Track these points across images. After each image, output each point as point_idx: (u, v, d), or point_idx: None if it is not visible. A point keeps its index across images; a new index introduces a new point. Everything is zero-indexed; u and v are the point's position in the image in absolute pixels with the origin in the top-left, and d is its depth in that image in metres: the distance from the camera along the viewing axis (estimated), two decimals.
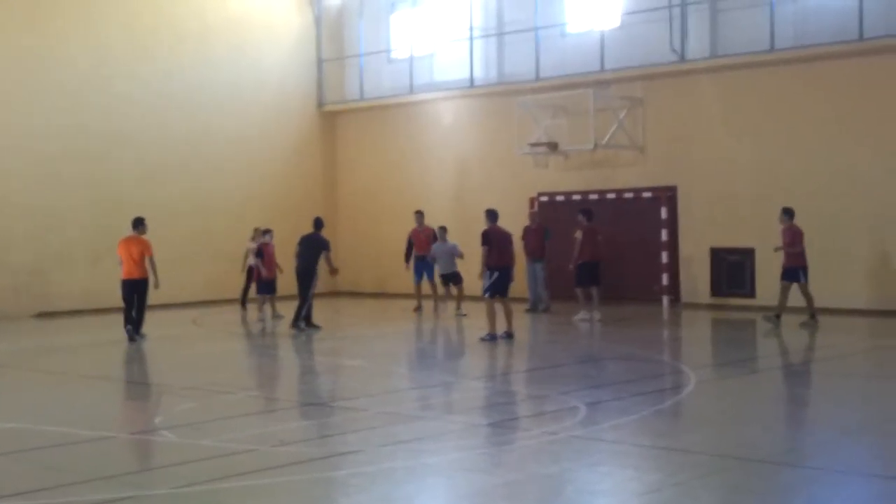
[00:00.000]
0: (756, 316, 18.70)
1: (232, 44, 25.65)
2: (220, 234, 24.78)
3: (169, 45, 24.45)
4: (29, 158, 22.16)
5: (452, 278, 20.55)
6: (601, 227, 20.10)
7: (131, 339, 16.97)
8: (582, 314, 19.24)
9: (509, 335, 16.07)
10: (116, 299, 22.51)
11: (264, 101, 26.27)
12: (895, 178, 19.21)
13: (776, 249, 18.13)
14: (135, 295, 17.20)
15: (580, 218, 19.63)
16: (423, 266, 21.18)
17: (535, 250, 20.66)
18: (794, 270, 17.78)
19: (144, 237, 17.50)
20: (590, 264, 19.31)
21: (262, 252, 20.16)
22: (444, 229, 20.71)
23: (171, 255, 24.00)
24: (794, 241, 17.67)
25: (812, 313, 17.66)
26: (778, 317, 17.62)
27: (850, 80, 19.72)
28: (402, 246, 21.86)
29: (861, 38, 19.35)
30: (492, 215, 16.58)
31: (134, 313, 17.22)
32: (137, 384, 13.52)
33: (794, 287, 17.71)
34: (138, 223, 17.66)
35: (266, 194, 25.77)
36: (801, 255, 17.76)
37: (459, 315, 20.05)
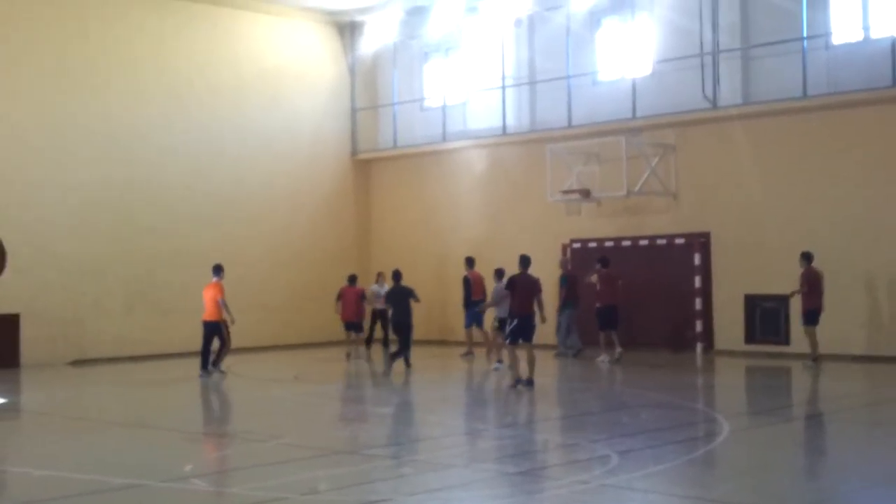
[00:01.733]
0: (792, 363, 18.52)
1: (266, 94, 25.98)
2: (255, 284, 24.94)
3: (204, 96, 24.80)
4: (65, 209, 22.48)
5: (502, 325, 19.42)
6: (619, 272, 20.72)
7: (206, 374, 18.57)
8: (603, 356, 19.95)
9: (530, 382, 16.02)
10: (150, 346, 22.91)
11: (298, 151, 26.54)
12: None
13: (791, 294, 18.81)
14: (213, 335, 18.77)
15: (597, 266, 20.56)
16: (475, 312, 21.27)
17: (563, 296, 21.42)
18: (813, 313, 18.44)
19: (218, 281, 18.88)
20: (607, 308, 20.18)
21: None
22: (501, 271, 19.44)
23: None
24: (810, 285, 18.36)
25: (814, 357, 18.29)
26: (815, 360, 18.08)
27: (882, 127, 19.62)
28: (444, 292, 22.00)
29: (894, 84, 19.27)
30: (523, 261, 16.69)
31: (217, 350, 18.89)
32: (169, 431, 13.56)
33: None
34: (216, 270, 19.16)
35: (300, 242, 25.95)
36: (817, 298, 18.45)
37: (496, 368, 19.00)
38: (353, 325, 22.02)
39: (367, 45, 27.53)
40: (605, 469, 9.87)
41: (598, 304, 20.32)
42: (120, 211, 23.21)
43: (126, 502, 9.12)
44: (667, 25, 22.49)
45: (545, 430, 13.28)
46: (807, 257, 18.54)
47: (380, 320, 22.74)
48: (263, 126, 25.88)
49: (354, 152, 27.89)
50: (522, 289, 16.31)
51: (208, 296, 18.90)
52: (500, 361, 18.98)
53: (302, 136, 26.69)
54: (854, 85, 19.78)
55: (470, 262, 21.92)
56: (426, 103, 27.30)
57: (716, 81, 21.62)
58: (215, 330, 18.82)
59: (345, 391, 17.23)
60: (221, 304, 18.66)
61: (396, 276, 20.10)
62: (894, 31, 19.54)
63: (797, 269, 19.29)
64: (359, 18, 27.28)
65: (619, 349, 19.95)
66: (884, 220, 19.50)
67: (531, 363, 16.21)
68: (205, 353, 18.90)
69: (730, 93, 21.53)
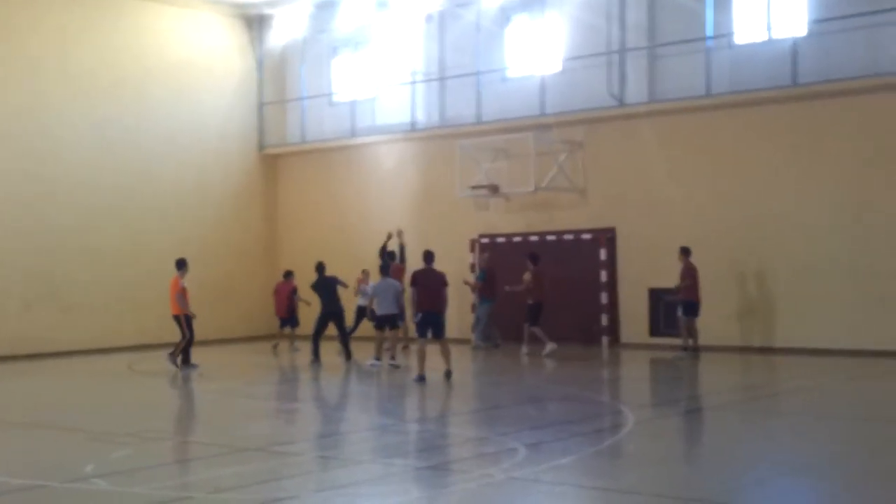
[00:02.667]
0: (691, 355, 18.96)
1: (172, 87, 25.51)
2: (160, 278, 24.44)
3: (107, 88, 24.22)
4: None
5: (390, 321, 18.70)
6: (546, 270, 20.94)
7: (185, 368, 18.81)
8: (525, 349, 20.40)
9: (448, 374, 16.29)
10: (50, 345, 22.32)
11: (205, 145, 26.13)
12: (828, 220, 19.59)
13: (678, 288, 19.49)
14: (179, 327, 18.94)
15: (528, 263, 20.71)
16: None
17: (480, 290, 21.95)
18: (694, 305, 19.27)
19: (178, 276, 18.93)
20: (538, 304, 20.49)
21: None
22: (386, 267, 19.39)
23: (107, 300, 23.76)
24: (692, 278, 19.23)
25: (695, 347, 19.22)
26: (686, 349, 19.22)
27: (784, 124, 20.14)
28: (354, 287, 21.77)
29: (795, 83, 19.80)
30: (427, 257, 16.91)
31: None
32: (70, 430, 13.22)
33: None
34: (178, 264, 19.16)
35: (207, 236, 25.56)
36: (694, 290, 19.24)
37: (392, 366, 18.36)
38: (285, 321, 22.62)
39: (276, 38, 27.24)
40: (513, 462, 9.91)
41: (529, 301, 20.53)
42: (20, 205, 22.56)
43: (26, 503, 8.86)
44: (575, 23, 22.72)
45: (454, 424, 13.29)
46: (685, 251, 19.38)
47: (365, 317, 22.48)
48: (169, 119, 25.41)
49: (262, 147, 27.59)
50: (425, 284, 16.46)
51: (170, 290, 19.17)
52: (377, 359, 18.52)
53: (209, 129, 26.28)
54: (756, 84, 20.25)
55: (392, 255, 21.87)
56: (335, 98, 27.13)
57: (623, 79, 21.93)
58: (177, 323, 19.00)
59: (252, 388, 17.02)
60: (177, 299, 18.80)
61: (319, 267, 20.20)
62: (795, 32, 20.07)
63: (700, 264, 19.74)
64: (267, 12, 26.98)
65: (552, 344, 20.19)
66: (786, 215, 20.02)
67: (446, 356, 16.33)
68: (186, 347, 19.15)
69: (636, 91, 21.86)
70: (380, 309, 18.36)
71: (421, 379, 16.07)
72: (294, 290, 22.58)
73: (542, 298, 20.57)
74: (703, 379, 17.30)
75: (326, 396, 16.72)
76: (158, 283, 24.33)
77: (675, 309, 20.09)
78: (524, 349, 20.43)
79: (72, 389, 17.51)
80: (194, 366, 19.11)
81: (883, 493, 8.73)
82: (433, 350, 16.68)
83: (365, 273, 22.24)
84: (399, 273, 21.01)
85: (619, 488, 8.97)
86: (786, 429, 12.29)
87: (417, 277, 16.60)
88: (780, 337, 20.03)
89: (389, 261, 21.23)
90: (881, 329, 18.86)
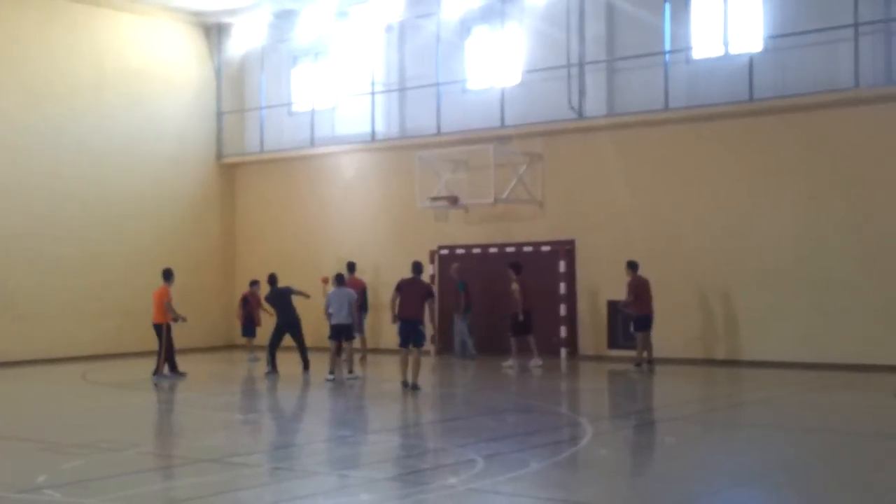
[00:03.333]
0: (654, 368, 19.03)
1: (129, 95, 25.25)
2: (115, 287, 24.24)
3: (62, 95, 23.93)
4: None
5: (345, 332, 18.32)
6: (529, 280, 20.74)
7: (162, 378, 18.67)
8: (510, 362, 19.96)
9: (414, 387, 16.29)
10: (3, 354, 21.98)
11: (162, 153, 25.90)
12: (783, 233, 19.80)
13: (624, 304, 19.49)
14: (158, 337, 18.85)
15: (510, 272, 20.47)
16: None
17: (464, 302, 21.91)
18: (643, 319, 19.14)
19: (166, 286, 18.97)
20: (527, 314, 20.30)
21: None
22: (340, 277, 19.00)
23: (63, 309, 23.46)
24: (637, 293, 19.11)
25: (649, 360, 19.08)
26: (650, 363, 19.04)
27: (740, 138, 20.34)
28: (314, 299, 21.47)
29: (751, 98, 20.01)
30: (414, 268, 17.12)
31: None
32: (22, 440, 13.01)
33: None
34: (165, 275, 19.20)
35: (164, 246, 25.23)
36: (644, 304, 19.14)
37: (351, 379, 18.07)
38: (249, 330, 22.67)
39: (235, 47, 27.10)
40: (471, 473, 9.88)
41: (517, 311, 20.15)
42: None
43: None
44: (535, 36, 22.83)
45: (412, 436, 13.25)
46: (632, 266, 19.34)
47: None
48: (126, 127, 25.15)
49: (220, 156, 27.40)
50: (407, 293, 16.63)
51: (155, 299, 19.07)
52: (331, 373, 18.10)
53: (166, 138, 26.05)
54: (714, 98, 20.46)
55: (351, 267, 21.73)
56: (294, 108, 27.03)
57: (582, 92, 22.05)
58: (158, 332, 18.90)
59: (208, 398, 16.85)
60: (166, 307, 18.72)
61: (272, 279, 20.26)
62: (751, 48, 20.29)
63: (658, 276, 19.87)
64: (226, 20, 26.82)
65: (539, 360, 20.08)
66: (743, 228, 20.21)
67: (415, 367, 16.42)
68: (168, 357, 18.98)
69: (595, 103, 21.98)
70: (334, 319, 18.05)
71: (405, 385, 16.45)
72: (259, 301, 22.36)
73: (529, 307, 20.35)
74: (660, 391, 17.37)
75: (283, 407, 16.60)
76: (114, 293, 24.18)
77: (629, 323, 20.14)
78: (510, 362, 19.96)
79: (24, 399, 17.25)
80: (182, 374, 18.97)
81: (832, 500, 8.81)
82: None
83: (325, 280, 21.96)
84: (356, 285, 20.95)
85: (576, 500, 8.98)
86: (741, 440, 12.37)
87: (401, 286, 16.80)
88: (738, 350, 20.17)
89: (349, 272, 21.16)
90: (837, 341, 19.05)
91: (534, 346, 20.14)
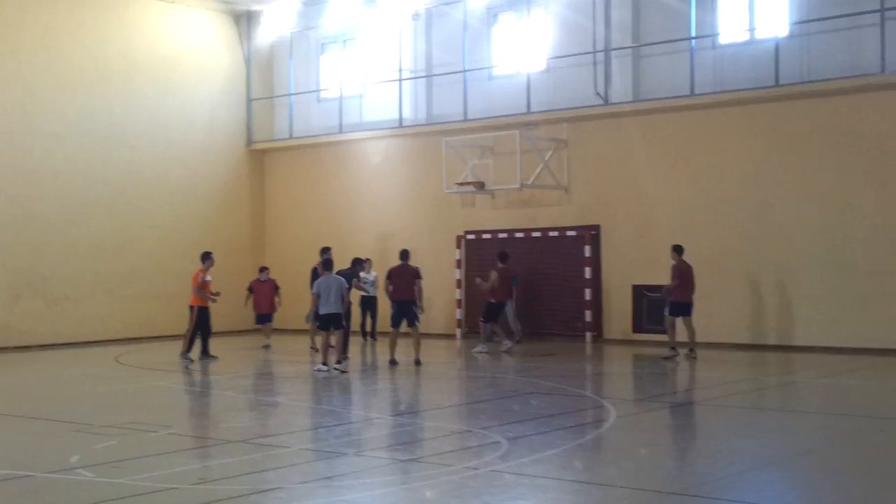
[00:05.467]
0: (679, 351, 19.08)
1: (160, 82, 25.56)
2: (148, 272, 24.58)
3: (95, 83, 24.27)
4: None
5: (334, 321, 17.32)
6: (515, 268, 21.04)
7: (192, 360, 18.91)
8: (481, 347, 20.18)
9: (417, 362, 17.76)
10: (37, 337, 22.37)
11: (193, 140, 26.20)
12: (809, 218, 19.79)
13: (667, 288, 18.77)
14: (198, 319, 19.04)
15: (497, 261, 20.72)
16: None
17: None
18: (681, 305, 18.66)
19: (200, 269, 19.06)
20: (499, 304, 20.48)
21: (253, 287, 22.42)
22: (328, 261, 18.22)
23: (96, 294, 23.82)
24: (680, 278, 18.52)
25: (692, 347, 18.56)
26: (674, 348, 18.54)
27: (766, 123, 20.33)
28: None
29: (777, 83, 19.98)
30: (402, 255, 18.32)
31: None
32: (55, 422, 13.30)
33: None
34: (203, 257, 19.35)
35: (195, 232, 25.60)
36: (686, 291, 18.59)
37: (338, 370, 17.12)
38: (265, 318, 22.40)
39: (264, 34, 27.31)
40: (495, 455, 10.03)
41: (491, 300, 20.36)
42: (7, 199, 22.61)
43: (10, 493, 8.94)
44: (561, 22, 22.88)
45: (437, 418, 13.40)
46: (677, 250, 18.73)
47: (368, 309, 22.60)
48: (157, 114, 25.46)
49: (250, 142, 27.66)
50: (398, 277, 17.92)
51: (192, 281, 19.26)
52: (324, 364, 17.21)
53: (196, 125, 26.34)
54: (740, 84, 20.45)
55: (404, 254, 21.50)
56: (323, 94, 27.21)
57: (608, 78, 22.09)
58: (191, 314, 19.14)
59: (237, 381, 17.09)
60: (196, 291, 18.96)
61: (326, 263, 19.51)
62: (778, 32, 20.25)
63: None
64: (255, 8, 27.03)
65: (510, 341, 20.53)
66: (768, 214, 20.23)
67: (416, 346, 17.93)
68: (192, 338, 19.14)
69: (621, 89, 22.02)
70: (323, 308, 17.15)
71: (393, 363, 17.77)
72: (275, 286, 22.35)
73: (503, 299, 20.52)
74: (684, 375, 17.43)
75: (311, 391, 16.78)
76: (146, 277, 24.52)
77: (658, 306, 20.16)
78: (480, 347, 20.15)
79: (58, 381, 17.55)
80: (214, 357, 19.27)
81: (858, 484, 8.90)
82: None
83: (366, 262, 21.86)
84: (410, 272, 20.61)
85: (599, 482, 9.10)
86: (765, 423, 12.45)
87: (392, 273, 18.08)
88: (764, 334, 20.22)
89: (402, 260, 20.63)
90: (864, 326, 19.07)
91: (494, 331, 20.39)
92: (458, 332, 22.92)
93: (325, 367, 17.11)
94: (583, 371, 18.59)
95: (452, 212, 23.75)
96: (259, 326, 23.05)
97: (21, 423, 13.13)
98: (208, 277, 19.19)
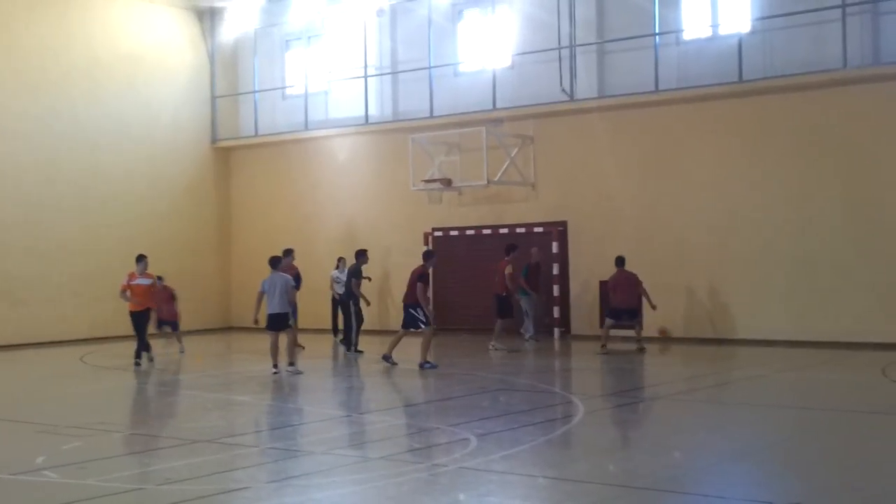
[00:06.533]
0: (644, 346, 19.22)
1: (123, 79, 25.34)
2: (112, 271, 24.32)
3: (57, 81, 24.02)
4: None
5: (281, 321, 16.75)
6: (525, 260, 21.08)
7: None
8: (499, 343, 20.03)
9: (421, 365, 16.99)
10: (1, 338, 22.11)
11: (157, 137, 26.00)
12: (773, 213, 19.96)
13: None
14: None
15: (505, 255, 20.39)
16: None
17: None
18: (615, 311, 19.38)
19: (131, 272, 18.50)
20: (508, 297, 20.50)
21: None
22: (274, 259, 17.28)
23: (60, 293, 23.59)
24: (613, 287, 19.34)
25: (639, 341, 19.25)
26: (604, 346, 19.11)
27: (730, 118, 20.48)
28: (308, 281, 21.47)
29: (741, 79, 20.13)
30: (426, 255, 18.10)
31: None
32: (20, 423, 13.16)
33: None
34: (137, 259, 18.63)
35: (159, 229, 25.43)
36: (619, 298, 19.28)
37: (291, 372, 16.63)
38: (168, 324, 20.59)
39: (228, 31, 27.15)
40: (464, 452, 10.04)
41: (503, 294, 20.32)
42: None
43: None
44: (526, 18, 22.92)
45: (405, 416, 13.41)
46: (616, 262, 19.36)
47: (340, 307, 21.80)
48: (120, 112, 25.24)
49: (214, 139, 27.49)
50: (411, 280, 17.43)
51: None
52: (275, 366, 16.69)
53: (160, 122, 26.14)
54: (703, 79, 20.58)
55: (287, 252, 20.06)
56: (288, 91, 27.09)
57: (573, 75, 22.15)
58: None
59: (202, 381, 16.99)
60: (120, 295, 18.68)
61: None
62: (741, 28, 20.39)
63: (648, 257, 20.16)
64: (218, 4, 26.86)
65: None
66: (733, 209, 20.38)
67: (423, 347, 17.12)
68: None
69: (586, 85, 22.10)
70: (269, 307, 16.62)
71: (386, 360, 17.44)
72: (172, 295, 20.68)
73: (513, 292, 20.61)
74: (651, 370, 17.56)
75: (278, 389, 16.71)
76: (109, 277, 24.21)
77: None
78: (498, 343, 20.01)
79: (22, 382, 17.39)
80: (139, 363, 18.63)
81: (825, 476, 9.00)
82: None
83: (340, 261, 21.80)
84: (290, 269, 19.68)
85: (568, 477, 9.13)
86: (730, 417, 12.55)
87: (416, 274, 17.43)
88: (729, 329, 20.37)
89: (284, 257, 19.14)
90: (827, 320, 19.25)
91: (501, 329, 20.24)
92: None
93: (275, 370, 16.54)
94: (551, 367, 18.65)
95: (419, 209, 23.73)
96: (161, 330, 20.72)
97: None
98: (136, 281, 18.34)
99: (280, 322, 16.67)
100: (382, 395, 15.20)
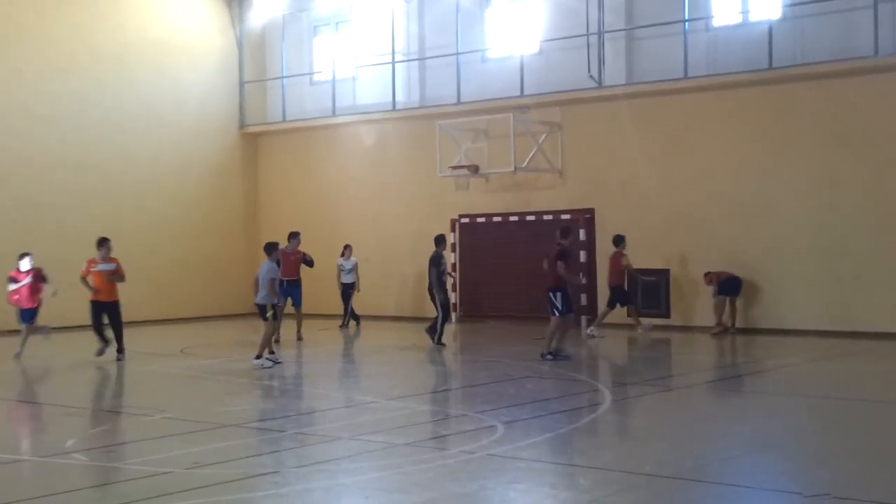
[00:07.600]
0: (672, 335, 19.15)
1: (151, 65, 25.44)
2: (139, 256, 24.46)
3: (86, 66, 24.14)
4: None
5: (260, 312, 16.49)
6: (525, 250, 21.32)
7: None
8: (591, 330, 20.17)
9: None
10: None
11: (185, 123, 26.10)
12: (802, 200, 19.81)
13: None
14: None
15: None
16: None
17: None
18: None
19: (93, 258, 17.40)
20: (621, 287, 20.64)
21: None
22: (268, 245, 16.90)
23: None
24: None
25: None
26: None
27: (759, 105, 20.32)
28: (323, 266, 21.69)
29: (770, 66, 19.96)
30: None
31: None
32: (49, 406, 13.29)
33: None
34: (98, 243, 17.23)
35: (187, 215, 25.57)
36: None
37: (260, 367, 16.02)
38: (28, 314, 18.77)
39: (256, 17, 27.20)
40: (491, 439, 10.05)
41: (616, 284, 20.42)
42: None
43: (5, 478, 8.93)
44: (554, 4, 22.82)
45: (432, 402, 13.43)
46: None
47: (345, 296, 22.31)
48: (149, 97, 25.35)
49: (242, 125, 27.57)
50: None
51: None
52: (270, 354, 16.44)
53: (188, 107, 26.24)
54: (733, 66, 20.42)
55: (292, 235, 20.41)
56: (315, 77, 27.11)
57: (601, 61, 22.03)
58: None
59: (231, 365, 17.08)
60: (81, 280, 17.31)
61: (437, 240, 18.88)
62: (772, 15, 20.22)
63: (677, 244, 20.04)
64: None
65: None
66: (761, 196, 20.24)
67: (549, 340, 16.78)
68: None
69: (614, 72, 21.97)
70: (257, 297, 16.43)
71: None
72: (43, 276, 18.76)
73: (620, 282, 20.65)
74: (679, 359, 17.50)
75: (304, 374, 16.81)
76: (137, 261, 24.33)
77: (653, 289, 20.29)
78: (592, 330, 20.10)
79: (52, 365, 17.52)
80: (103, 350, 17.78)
81: (848, 468, 8.94)
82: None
83: (346, 249, 22.09)
84: (295, 253, 19.82)
85: (593, 465, 9.12)
86: (758, 407, 12.49)
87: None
88: (755, 318, 20.26)
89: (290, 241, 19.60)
90: (855, 309, 19.12)
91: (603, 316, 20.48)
92: (453, 315, 22.86)
93: (258, 361, 16.08)
94: (578, 355, 18.59)
95: (446, 195, 23.70)
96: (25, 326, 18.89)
97: (15, 407, 13.10)
98: (100, 267, 17.25)
99: (260, 313, 16.38)
100: (409, 381, 15.22)
